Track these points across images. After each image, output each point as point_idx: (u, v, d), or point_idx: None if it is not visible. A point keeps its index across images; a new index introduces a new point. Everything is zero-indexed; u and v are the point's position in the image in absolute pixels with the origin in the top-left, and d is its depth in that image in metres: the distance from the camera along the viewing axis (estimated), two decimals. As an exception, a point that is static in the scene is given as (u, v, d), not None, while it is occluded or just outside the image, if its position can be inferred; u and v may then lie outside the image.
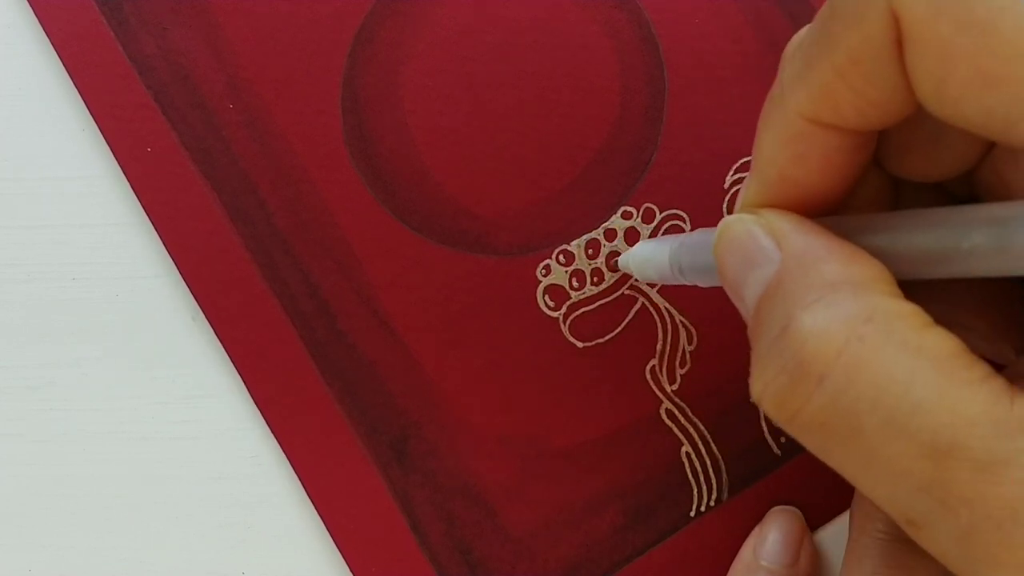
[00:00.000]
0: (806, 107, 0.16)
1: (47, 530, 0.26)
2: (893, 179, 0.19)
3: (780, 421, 0.15)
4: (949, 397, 0.13)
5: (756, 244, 0.16)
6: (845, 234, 0.16)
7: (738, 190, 0.27)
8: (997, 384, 0.14)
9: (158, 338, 0.27)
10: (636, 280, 0.26)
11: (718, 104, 0.27)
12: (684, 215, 0.27)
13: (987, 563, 0.13)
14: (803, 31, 0.19)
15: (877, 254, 0.15)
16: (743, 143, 0.27)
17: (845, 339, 0.14)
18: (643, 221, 0.27)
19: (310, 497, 0.26)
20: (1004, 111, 0.13)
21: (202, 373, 0.26)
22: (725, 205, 0.27)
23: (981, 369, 0.14)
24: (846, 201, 0.18)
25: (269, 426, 0.26)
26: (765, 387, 0.15)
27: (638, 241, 0.26)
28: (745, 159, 0.27)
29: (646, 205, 0.27)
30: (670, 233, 0.27)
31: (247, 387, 0.26)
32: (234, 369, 0.26)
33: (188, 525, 0.26)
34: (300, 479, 0.26)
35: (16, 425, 0.26)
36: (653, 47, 0.27)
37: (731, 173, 0.27)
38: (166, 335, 0.27)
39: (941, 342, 0.14)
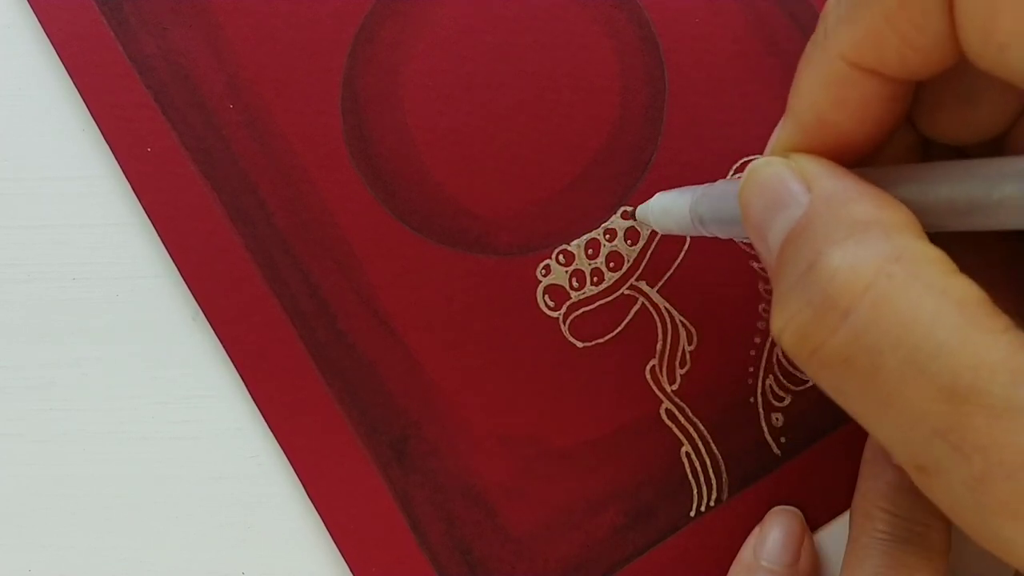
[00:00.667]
0: (849, 50, 0.16)
1: (47, 530, 0.26)
2: (922, 141, 0.19)
3: (799, 356, 0.15)
4: (971, 342, 0.13)
5: (784, 186, 0.16)
6: (875, 183, 0.16)
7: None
8: (1019, 335, 0.14)
9: (158, 338, 0.27)
10: (637, 281, 0.26)
11: (718, 104, 0.27)
12: (684, 215, 0.27)
13: (997, 512, 0.13)
14: None
15: (906, 204, 0.15)
16: (743, 143, 0.27)
17: (874, 275, 0.14)
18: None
19: (310, 497, 0.26)
20: None
21: (202, 373, 0.26)
22: (725, 205, 0.27)
23: (1003, 320, 0.14)
24: (876, 156, 0.18)
25: (269, 426, 0.26)
26: (787, 322, 0.15)
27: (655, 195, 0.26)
28: (745, 159, 0.27)
29: (646, 205, 0.27)
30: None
31: (247, 387, 0.26)
32: (234, 369, 0.26)
33: (188, 525, 0.26)
34: (300, 479, 0.26)
35: (16, 425, 0.26)
36: (653, 47, 0.27)
37: (731, 173, 0.27)
38: (166, 335, 0.27)
39: (967, 288, 0.14)
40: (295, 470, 0.26)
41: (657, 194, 0.24)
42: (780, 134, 0.18)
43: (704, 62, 0.27)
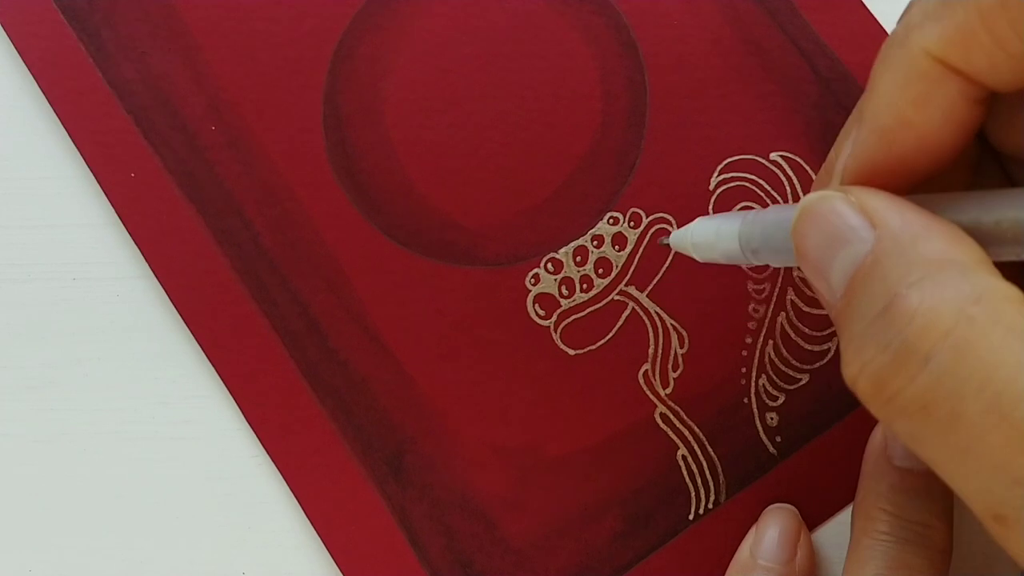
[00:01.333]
0: (936, 46, 0.15)
1: (47, 530, 0.26)
2: (981, 151, 0.18)
3: (875, 403, 0.15)
4: None
5: (844, 222, 0.16)
6: (941, 210, 0.15)
7: (724, 191, 0.27)
8: None
9: (158, 338, 0.27)
10: (626, 286, 0.26)
11: (700, 106, 0.27)
12: (671, 218, 0.27)
13: None
14: None
15: (974, 232, 0.15)
16: (727, 144, 0.27)
17: (954, 319, 0.13)
18: (630, 226, 0.27)
19: (308, 517, 0.26)
20: None
21: (203, 373, 0.26)
22: (711, 206, 0.27)
23: None
24: (948, 171, 0.17)
25: (264, 447, 0.26)
26: (863, 367, 0.15)
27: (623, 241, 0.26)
28: (730, 159, 0.27)
29: (632, 210, 0.27)
30: (659, 235, 0.27)
31: (240, 409, 0.26)
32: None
33: (188, 525, 0.26)
34: (297, 499, 0.26)
35: (16, 425, 0.26)
36: (633, 51, 0.27)
37: (716, 174, 0.27)
38: (166, 335, 0.27)
39: None
40: (291, 490, 0.26)
41: (697, 219, 0.23)
42: (855, 141, 0.17)
43: (684, 64, 0.27)
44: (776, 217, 0.19)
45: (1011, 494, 0.13)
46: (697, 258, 0.23)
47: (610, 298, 0.26)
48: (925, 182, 0.17)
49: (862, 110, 0.17)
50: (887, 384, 0.14)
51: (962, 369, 0.13)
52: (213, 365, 0.26)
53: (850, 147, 0.17)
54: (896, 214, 0.15)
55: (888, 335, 0.14)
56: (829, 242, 0.16)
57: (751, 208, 0.27)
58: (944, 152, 0.16)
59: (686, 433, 0.26)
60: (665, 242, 0.25)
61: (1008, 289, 0.14)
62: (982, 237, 0.15)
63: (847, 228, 0.16)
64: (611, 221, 0.27)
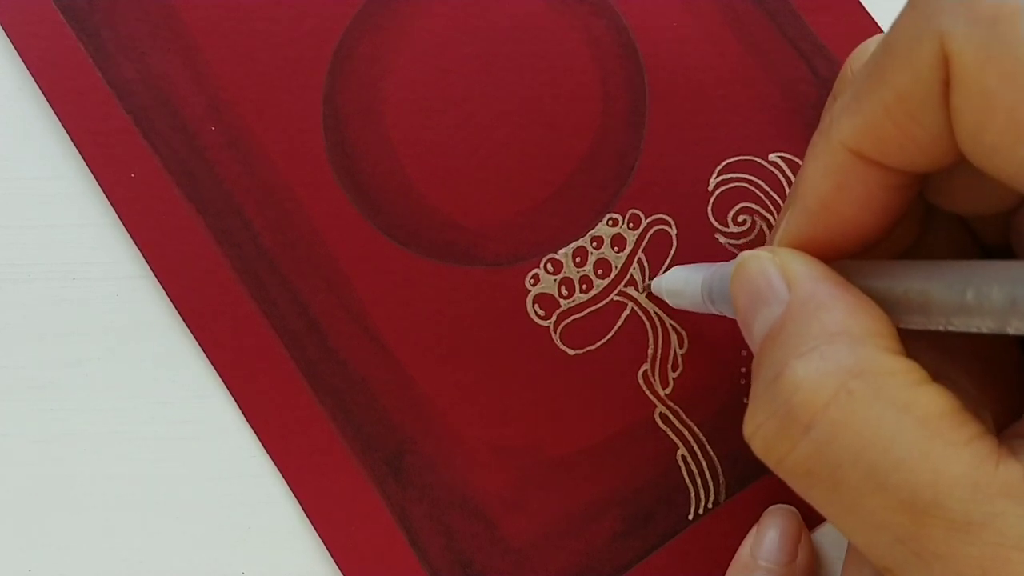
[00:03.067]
0: (851, 139, 0.16)
1: (47, 530, 0.26)
2: (927, 206, 0.19)
3: (768, 462, 0.16)
4: (931, 456, 0.14)
5: (768, 283, 0.17)
6: (858, 277, 0.16)
7: (723, 192, 0.27)
8: (985, 446, 0.14)
9: (159, 338, 0.27)
10: (625, 287, 0.26)
11: (699, 107, 0.27)
12: (670, 219, 0.27)
13: None
14: (863, 48, 0.19)
15: (886, 299, 0.16)
16: (726, 145, 0.27)
17: (834, 392, 0.14)
18: (629, 227, 0.27)
19: (308, 517, 0.26)
20: None
21: (203, 373, 0.26)
22: (710, 208, 0.27)
23: (971, 429, 0.14)
24: (883, 240, 0.18)
25: (264, 447, 0.26)
26: (756, 429, 0.16)
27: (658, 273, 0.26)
28: (729, 160, 0.27)
29: (632, 211, 0.27)
30: (656, 239, 0.27)
31: (241, 409, 0.26)
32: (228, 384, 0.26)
33: (188, 525, 0.26)
34: (297, 499, 0.26)
35: (16, 425, 0.26)
36: (632, 52, 0.28)
37: (715, 176, 0.27)
38: (167, 335, 0.27)
39: (932, 400, 0.14)
40: (291, 490, 0.26)
41: (672, 269, 0.25)
42: (786, 219, 0.18)
43: (683, 65, 0.27)
44: (730, 270, 0.20)
45: (894, 550, 0.14)
46: (671, 304, 0.25)
47: (610, 298, 0.26)
48: (863, 249, 0.18)
49: (795, 187, 0.18)
50: (773, 449, 0.15)
51: (840, 440, 0.14)
52: (213, 365, 0.26)
53: (784, 222, 0.18)
54: (809, 281, 0.16)
55: (776, 403, 0.15)
56: (753, 300, 0.17)
57: (751, 210, 0.27)
58: (870, 232, 0.17)
59: (686, 433, 0.26)
60: (647, 287, 0.26)
61: (895, 362, 0.15)
62: (893, 305, 0.16)
63: (769, 288, 0.17)
64: (610, 222, 0.27)
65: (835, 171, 0.17)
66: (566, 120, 0.27)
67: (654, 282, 0.26)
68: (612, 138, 0.27)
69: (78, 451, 0.26)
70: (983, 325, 0.14)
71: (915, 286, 0.15)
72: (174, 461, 0.26)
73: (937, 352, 0.17)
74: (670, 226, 0.27)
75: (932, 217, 0.20)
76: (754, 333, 0.17)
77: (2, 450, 0.26)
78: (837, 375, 0.15)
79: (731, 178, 0.27)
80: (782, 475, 0.16)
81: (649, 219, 0.27)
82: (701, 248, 0.26)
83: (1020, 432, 0.15)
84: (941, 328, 0.15)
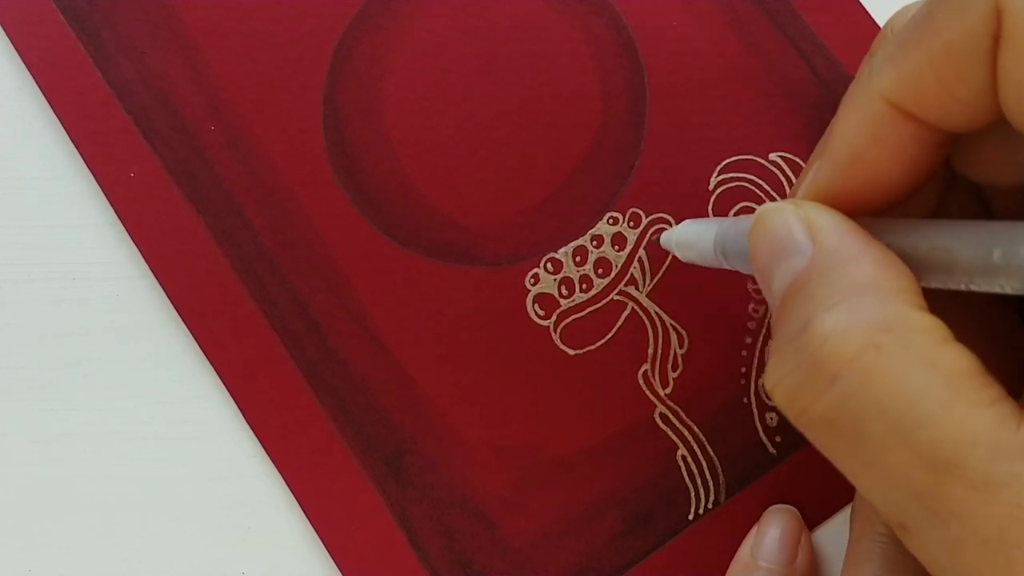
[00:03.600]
0: (891, 91, 0.16)
1: (47, 530, 0.26)
2: (950, 173, 0.19)
3: (789, 414, 0.16)
4: (955, 414, 0.14)
5: (790, 235, 0.17)
6: (882, 234, 0.16)
7: (723, 191, 0.27)
8: (1006, 408, 0.14)
9: (159, 338, 0.27)
10: (625, 286, 0.26)
11: (699, 106, 0.27)
12: (670, 218, 0.27)
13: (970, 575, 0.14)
14: (906, 7, 0.19)
15: (910, 257, 0.16)
16: (726, 144, 0.27)
17: (863, 344, 0.14)
18: (630, 226, 0.27)
19: (308, 517, 0.25)
20: None
21: (203, 373, 0.26)
22: (711, 206, 0.27)
23: (993, 391, 0.14)
24: (909, 200, 0.18)
25: (264, 447, 0.26)
26: (780, 380, 0.16)
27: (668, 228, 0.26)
28: (729, 159, 0.27)
29: (632, 210, 0.27)
30: (659, 235, 0.27)
31: (240, 408, 0.26)
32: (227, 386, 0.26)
33: (188, 525, 0.26)
34: (297, 499, 0.26)
35: (16, 425, 0.26)
36: (632, 52, 0.28)
37: (715, 174, 0.27)
38: (167, 335, 0.27)
39: (956, 359, 0.14)
40: (291, 490, 0.26)
41: (684, 222, 0.24)
42: (813, 171, 0.18)
43: (683, 64, 0.27)
44: (746, 225, 0.20)
45: (911, 506, 0.14)
46: (680, 257, 0.24)
47: (610, 298, 0.26)
48: (887, 208, 0.17)
49: (826, 139, 0.18)
50: (798, 399, 0.15)
51: (865, 393, 0.14)
52: (213, 365, 0.26)
53: (811, 174, 0.18)
54: (835, 234, 0.16)
55: (802, 354, 0.15)
56: (774, 252, 0.17)
57: (751, 209, 0.27)
58: (898, 189, 0.17)
59: (686, 433, 0.26)
60: (656, 240, 0.26)
61: (922, 318, 0.15)
62: (916, 263, 0.16)
63: (791, 241, 0.17)
64: (611, 221, 0.27)
65: (872, 122, 0.16)
66: (566, 119, 0.27)
67: (664, 235, 0.25)
68: (612, 138, 0.27)
69: (78, 451, 0.26)
70: (1008, 285, 0.14)
71: (940, 243, 0.15)
72: (174, 461, 0.26)
73: (946, 318, 0.17)
74: (670, 225, 0.27)
75: (951, 186, 0.19)
76: (774, 286, 0.17)
77: (2, 450, 0.26)
78: (866, 328, 0.14)
79: (731, 177, 0.27)
80: (802, 427, 0.16)
81: (649, 218, 0.27)
82: (701, 248, 0.26)
83: None
84: (962, 287, 0.15)
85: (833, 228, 0.16)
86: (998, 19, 0.14)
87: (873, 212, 0.17)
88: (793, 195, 0.19)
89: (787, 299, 0.16)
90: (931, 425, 0.14)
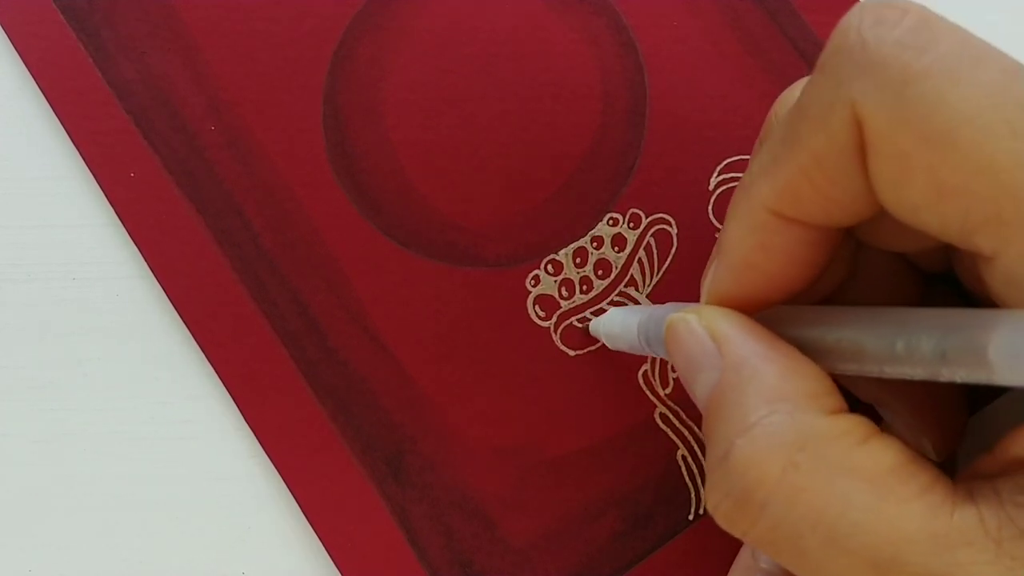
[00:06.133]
0: (770, 200, 0.16)
1: (47, 530, 0.26)
2: (857, 243, 0.19)
3: (734, 535, 0.16)
4: (886, 515, 0.14)
5: (700, 347, 0.17)
6: (789, 326, 0.16)
7: (723, 191, 0.27)
8: (936, 496, 0.14)
9: (159, 338, 0.27)
10: (625, 287, 0.26)
11: (700, 106, 0.27)
12: (670, 219, 0.27)
13: None
14: (788, 95, 0.19)
15: (819, 348, 0.16)
16: (726, 144, 0.27)
17: (782, 468, 0.15)
18: (630, 227, 0.27)
19: (307, 516, 0.26)
20: (960, 221, 0.14)
21: (203, 373, 0.26)
22: (711, 207, 0.27)
23: (921, 480, 0.14)
24: (810, 290, 0.18)
25: (264, 447, 0.26)
26: (716, 507, 0.16)
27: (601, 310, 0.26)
28: (729, 160, 0.27)
29: (632, 210, 0.27)
30: (657, 239, 0.27)
31: (240, 409, 0.26)
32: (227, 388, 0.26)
33: (188, 525, 0.26)
34: (296, 499, 0.26)
35: (16, 425, 0.26)
36: (632, 52, 0.28)
37: (715, 175, 0.27)
38: (167, 335, 0.27)
39: (878, 458, 0.15)
40: (291, 490, 0.26)
41: (611, 310, 0.25)
42: (711, 274, 0.18)
43: (684, 64, 0.27)
44: (664, 314, 0.20)
45: None
46: (609, 347, 0.25)
47: (610, 299, 0.26)
48: (791, 298, 0.18)
49: (718, 243, 0.18)
50: (736, 524, 0.16)
51: (795, 512, 0.15)
52: (213, 365, 0.26)
53: (709, 277, 0.18)
54: (740, 343, 0.16)
55: (729, 483, 0.15)
56: (688, 365, 0.17)
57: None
58: (795, 283, 0.17)
59: (686, 433, 0.26)
60: (585, 328, 0.26)
61: (836, 425, 0.15)
62: (826, 354, 0.16)
63: (702, 353, 0.17)
64: (611, 222, 0.27)
65: (756, 230, 0.17)
66: (566, 120, 0.27)
67: (592, 324, 0.26)
68: (612, 138, 0.27)
69: (78, 451, 0.26)
70: (915, 373, 0.14)
71: (847, 335, 0.15)
72: (174, 461, 0.26)
73: (875, 381, 0.17)
74: (671, 225, 0.27)
75: (866, 251, 0.19)
76: (697, 397, 0.17)
77: (2, 450, 0.26)
78: (782, 450, 0.15)
79: (732, 177, 0.27)
80: (749, 543, 0.16)
81: (650, 218, 0.27)
82: (702, 247, 0.26)
83: (980, 470, 0.15)
84: (875, 375, 0.15)
85: (736, 336, 0.17)
86: (859, 130, 0.14)
87: (778, 303, 0.18)
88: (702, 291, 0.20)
89: (708, 417, 0.17)
90: (864, 531, 0.14)
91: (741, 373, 0.16)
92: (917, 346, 0.14)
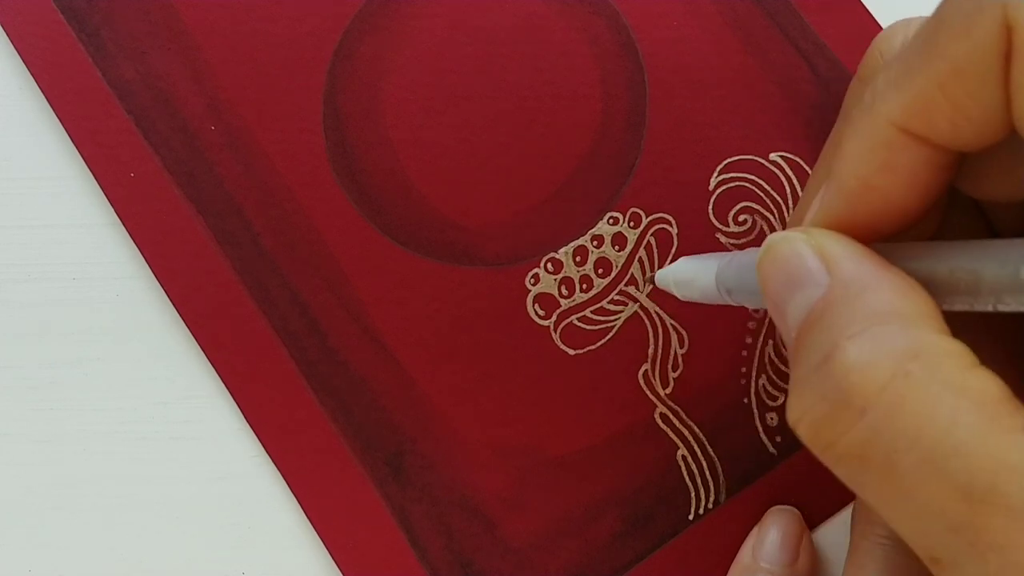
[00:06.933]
0: (899, 116, 0.15)
1: (47, 530, 0.26)
2: (952, 194, 0.18)
3: (814, 448, 0.15)
4: (990, 442, 0.13)
5: (803, 265, 0.16)
6: (898, 259, 0.16)
7: (723, 191, 0.27)
8: None
9: (158, 337, 0.27)
10: (625, 286, 0.26)
11: (699, 106, 0.27)
12: (671, 218, 0.27)
13: None
14: (891, 29, 0.19)
15: (929, 281, 0.15)
16: (726, 144, 0.27)
17: (891, 374, 0.14)
18: (630, 226, 0.27)
19: (308, 516, 0.25)
20: None
21: (203, 373, 0.26)
22: (711, 207, 0.27)
23: None
24: (918, 223, 0.17)
25: (264, 447, 0.26)
26: (803, 414, 0.15)
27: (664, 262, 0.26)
28: (729, 160, 0.27)
29: (632, 209, 0.27)
30: (657, 237, 0.27)
31: (240, 409, 0.26)
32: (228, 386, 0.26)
33: (188, 525, 0.26)
34: (297, 499, 0.26)
35: (16, 425, 0.26)
36: (632, 52, 0.28)
37: (715, 175, 0.27)
38: (167, 334, 0.27)
39: (987, 385, 0.14)
40: (291, 490, 0.26)
41: (680, 259, 0.24)
42: (821, 198, 0.17)
43: (684, 64, 0.27)
44: (749, 259, 0.20)
45: (946, 540, 0.14)
46: (679, 296, 0.24)
47: (610, 298, 0.26)
48: (897, 232, 0.17)
49: (830, 167, 0.17)
50: (824, 433, 0.15)
51: (896, 424, 0.14)
52: (213, 365, 0.26)
53: (817, 204, 0.17)
54: (851, 262, 0.16)
55: (826, 386, 0.14)
56: (787, 283, 0.16)
57: (752, 209, 0.27)
58: (909, 213, 0.17)
59: (686, 433, 0.26)
60: (651, 279, 0.25)
61: (949, 344, 0.14)
62: (936, 287, 0.15)
63: (805, 271, 0.16)
64: (611, 221, 0.27)
65: (880, 148, 0.16)
66: (566, 119, 0.27)
67: (659, 274, 0.25)
68: (613, 137, 0.27)
69: (78, 451, 0.26)
70: None
71: (962, 265, 0.15)
72: (174, 461, 0.26)
73: (968, 340, 0.17)
74: (671, 225, 0.27)
75: (952, 205, 0.19)
76: (788, 318, 0.16)
77: (2, 450, 0.26)
78: (893, 357, 0.14)
79: (732, 177, 0.27)
80: (829, 461, 0.15)
81: (650, 218, 0.27)
82: (702, 247, 0.26)
83: None
84: (989, 308, 0.14)
85: (848, 256, 0.16)
86: (1008, 34, 0.14)
87: (884, 238, 0.17)
88: (797, 223, 0.19)
89: (805, 330, 0.16)
90: (966, 454, 0.13)
91: (851, 288, 0.15)
92: None
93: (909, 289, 0.15)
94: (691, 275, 0.23)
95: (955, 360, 0.14)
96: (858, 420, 0.14)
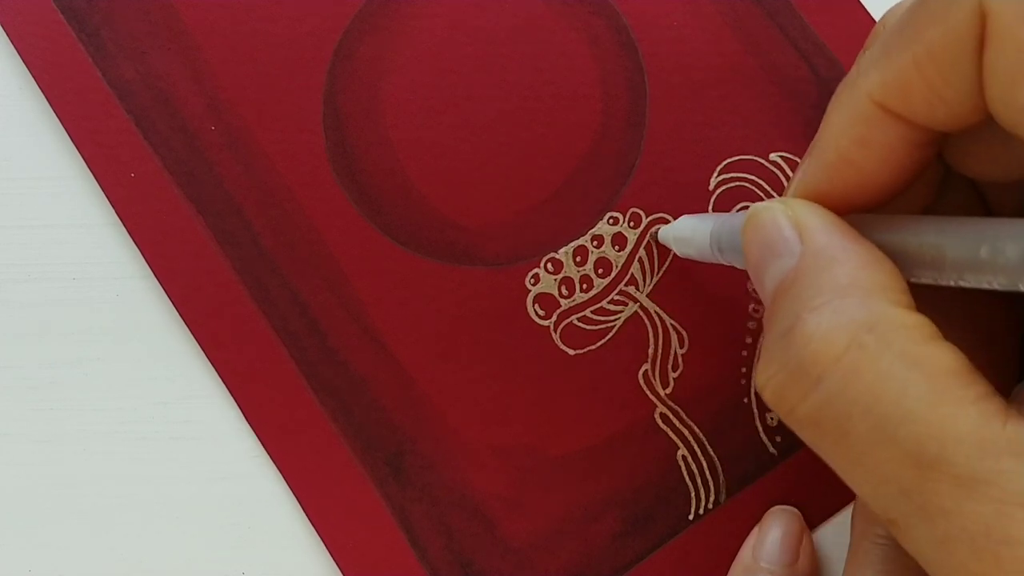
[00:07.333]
0: (878, 92, 0.16)
1: (47, 530, 0.26)
2: (945, 169, 0.19)
3: (778, 413, 0.16)
4: (939, 412, 0.14)
5: (780, 234, 0.17)
6: (872, 230, 0.16)
7: (723, 191, 0.27)
8: (992, 405, 0.14)
9: (158, 337, 0.27)
10: (626, 286, 0.26)
11: (699, 106, 0.27)
12: (670, 218, 0.27)
13: (958, 572, 0.14)
14: (899, 6, 0.19)
15: (899, 253, 0.16)
16: (726, 144, 0.27)
17: (846, 345, 0.15)
18: (630, 226, 0.27)
19: (308, 517, 0.25)
20: None
21: (203, 373, 0.26)
22: (711, 206, 0.27)
23: (978, 388, 0.14)
24: (897, 199, 0.18)
25: (264, 447, 0.26)
26: (768, 380, 0.16)
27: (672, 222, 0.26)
28: (729, 160, 0.27)
29: (632, 210, 0.27)
30: (656, 230, 0.27)
31: (240, 409, 0.26)
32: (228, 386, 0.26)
33: (188, 525, 0.26)
34: (297, 499, 0.26)
35: (16, 425, 0.26)
36: (632, 52, 0.28)
37: (715, 175, 0.27)
38: (167, 335, 0.27)
39: (941, 357, 0.14)
40: (291, 490, 0.26)
41: (682, 217, 0.25)
42: (802, 169, 0.18)
43: (684, 65, 0.27)
44: (740, 221, 0.20)
45: (899, 502, 0.14)
46: (677, 252, 0.25)
47: (610, 298, 0.26)
48: (876, 205, 0.18)
49: (815, 139, 0.18)
50: (785, 398, 0.16)
51: (849, 392, 0.14)
52: (213, 365, 0.26)
53: (800, 174, 0.18)
54: (822, 233, 0.16)
55: (788, 354, 0.15)
56: (765, 251, 0.17)
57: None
58: (886, 187, 0.17)
59: (686, 433, 0.26)
60: (654, 234, 0.26)
61: (906, 317, 0.15)
62: (906, 259, 0.16)
63: (781, 240, 0.17)
64: (611, 221, 0.27)
65: (858, 123, 0.16)
66: (566, 120, 0.27)
67: (662, 230, 0.26)
68: (613, 137, 0.27)
69: (78, 451, 0.26)
70: (995, 281, 0.14)
71: (929, 240, 0.15)
72: (174, 461, 0.26)
73: (937, 314, 0.17)
74: (670, 226, 0.27)
75: (947, 182, 0.19)
76: (766, 284, 0.17)
77: (2, 450, 0.26)
78: (849, 328, 0.15)
79: (732, 177, 0.27)
80: (791, 425, 0.16)
81: (650, 218, 0.27)
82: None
83: None
84: (952, 283, 0.15)
85: (820, 227, 0.16)
86: (982, 21, 0.14)
87: (863, 209, 0.18)
88: (786, 194, 0.19)
89: (776, 298, 0.16)
90: (915, 422, 0.14)
91: (819, 259, 0.16)
92: (1002, 251, 0.14)
93: (875, 261, 0.16)
94: (689, 232, 0.23)
95: (910, 332, 0.15)
96: (814, 388, 0.15)
